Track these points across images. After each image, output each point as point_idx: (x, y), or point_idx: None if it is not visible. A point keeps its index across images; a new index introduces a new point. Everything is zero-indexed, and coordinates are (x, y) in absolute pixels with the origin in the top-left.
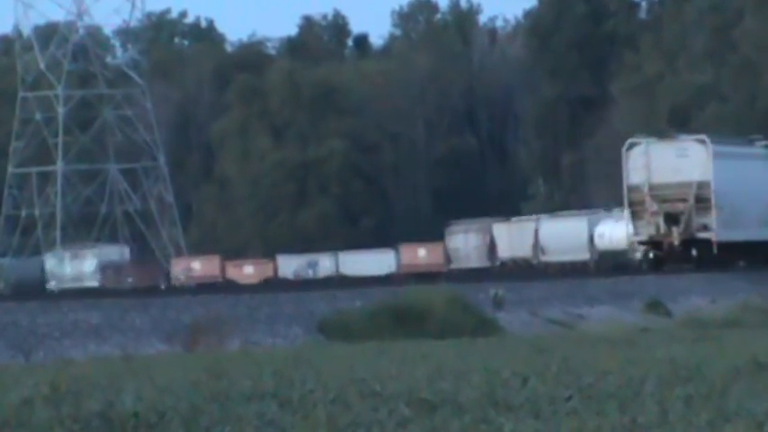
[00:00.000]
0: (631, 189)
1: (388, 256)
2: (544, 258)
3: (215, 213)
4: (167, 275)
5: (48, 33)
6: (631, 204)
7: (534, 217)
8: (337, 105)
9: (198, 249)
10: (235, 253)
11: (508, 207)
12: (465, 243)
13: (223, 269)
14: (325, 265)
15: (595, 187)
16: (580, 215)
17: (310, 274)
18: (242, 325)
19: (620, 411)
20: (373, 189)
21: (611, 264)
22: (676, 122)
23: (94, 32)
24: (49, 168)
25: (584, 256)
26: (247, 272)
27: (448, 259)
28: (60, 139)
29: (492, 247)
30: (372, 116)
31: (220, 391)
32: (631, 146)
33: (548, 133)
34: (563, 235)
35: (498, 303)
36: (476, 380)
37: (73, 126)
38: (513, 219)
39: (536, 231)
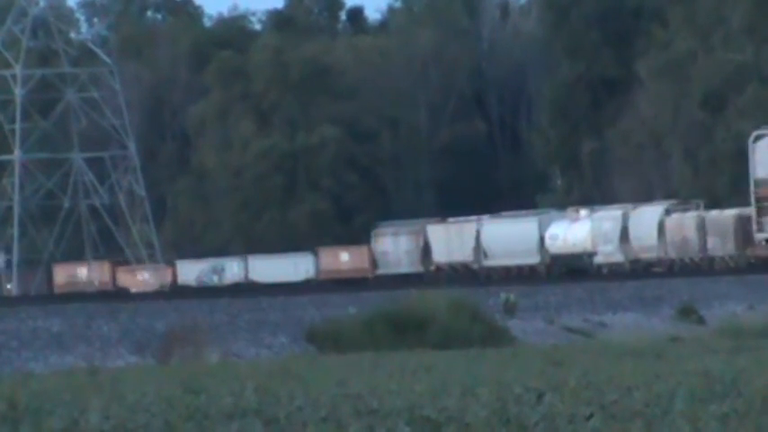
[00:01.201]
0: (758, 183)
1: (305, 261)
2: (487, 263)
3: (192, 209)
4: (50, 283)
5: (4, 6)
6: (758, 200)
7: (475, 218)
8: (329, 87)
9: (173, 249)
10: (216, 253)
11: (522, 202)
12: (395, 246)
13: (113, 275)
14: (232, 270)
15: (620, 180)
16: (529, 215)
17: (215, 280)
18: (221, 333)
19: None
20: (370, 182)
21: (564, 268)
22: (710, 107)
23: (57, 5)
24: (6, 157)
25: (534, 259)
26: (141, 278)
27: (374, 264)
28: (18, 125)
29: (426, 251)
30: (369, 100)
31: (198, 409)
32: (758, 138)
33: (566, 119)
34: (510, 237)
35: (509, 309)
36: (485, 396)
37: (32, 110)
38: (451, 219)
39: (477, 233)
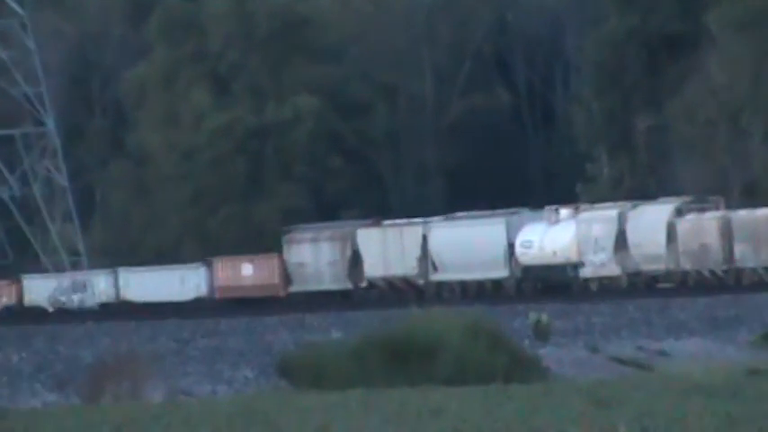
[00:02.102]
0: None
1: (195, 275)
2: (436, 277)
3: (128, 203)
4: None
5: None
6: None
7: (420, 220)
8: (307, 46)
9: (103, 255)
10: (158, 260)
11: (558, 193)
12: (314, 257)
13: None
14: (99, 287)
15: (684, 166)
16: (494, 216)
17: (75, 301)
18: (167, 364)
19: None
20: (360, 168)
21: (539, 284)
22: None
23: None
24: None
25: (500, 273)
26: None
27: (287, 279)
28: None
29: (355, 262)
30: (358, 62)
31: None
32: None
33: (615, 87)
34: (468, 244)
35: (541, 333)
36: None
37: None
38: (387, 222)
39: (424, 239)
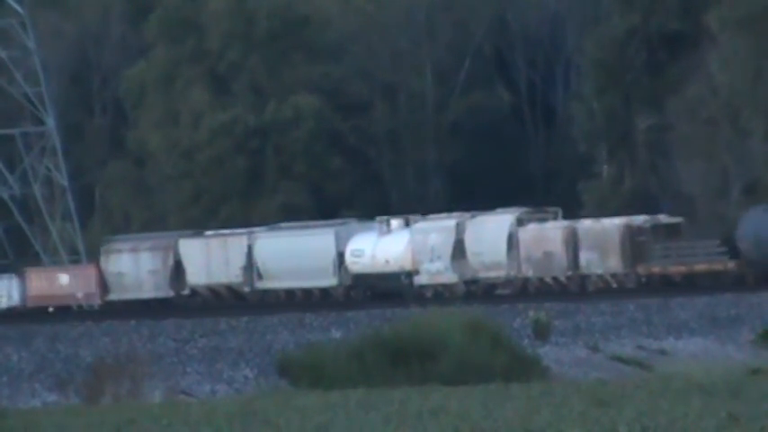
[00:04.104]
0: None
1: (6, 285)
2: (262, 285)
3: (128, 202)
4: None
5: None
6: None
7: (248, 230)
8: (307, 45)
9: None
10: None
11: (559, 193)
12: (134, 266)
13: None
14: None
15: (685, 164)
16: (323, 227)
17: None
18: (166, 365)
19: None
20: (360, 166)
21: (369, 292)
22: None
23: None
24: None
25: (328, 281)
26: None
27: (105, 288)
28: None
29: (178, 271)
30: (358, 61)
31: None
32: None
33: (616, 86)
34: (295, 253)
35: (541, 332)
36: None
37: None
38: (209, 233)
39: (249, 249)
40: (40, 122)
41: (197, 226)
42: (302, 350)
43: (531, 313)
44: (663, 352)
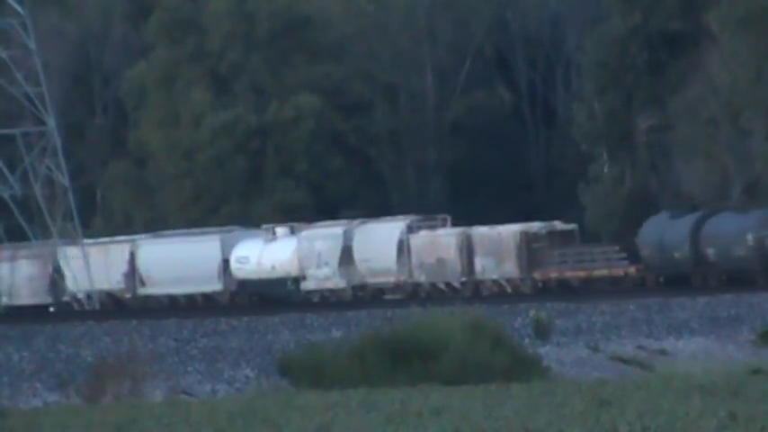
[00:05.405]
0: None
1: None
2: (144, 291)
3: (129, 202)
4: None
5: None
6: None
7: (129, 238)
8: (308, 45)
9: None
10: None
11: (559, 193)
12: (12, 273)
13: None
14: None
15: (686, 165)
16: (209, 234)
17: None
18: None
19: None
20: (361, 166)
21: (255, 297)
22: None
23: None
24: None
25: (214, 286)
26: None
27: None
28: None
29: (57, 278)
30: (359, 61)
31: None
32: None
33: (616, 86)
34: (179, 260)
35: (541, 332)
36: None
37: None
38: (89, 241)
39: (132, 256)
40: (41, 122)
41: (198, 225)
42: (303, 350)
43: (532, 313)
44: (663, 352)
